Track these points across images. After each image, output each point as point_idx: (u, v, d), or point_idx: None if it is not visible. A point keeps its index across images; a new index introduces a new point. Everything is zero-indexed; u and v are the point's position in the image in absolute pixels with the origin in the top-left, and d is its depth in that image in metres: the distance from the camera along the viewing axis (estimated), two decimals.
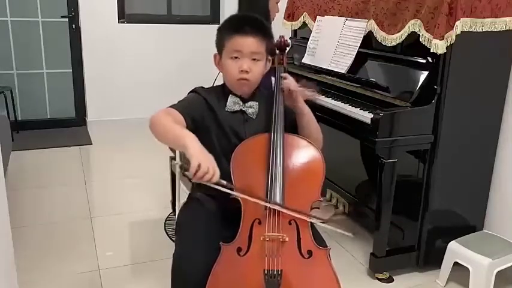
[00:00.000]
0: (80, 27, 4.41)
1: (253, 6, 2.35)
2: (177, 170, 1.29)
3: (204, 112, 1.55)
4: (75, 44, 4.49)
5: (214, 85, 1.72)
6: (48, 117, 4.63)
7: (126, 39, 4.52)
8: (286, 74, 1.65)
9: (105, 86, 4.54)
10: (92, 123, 4.58)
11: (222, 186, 1.35)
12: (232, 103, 1.57)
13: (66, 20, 4.45)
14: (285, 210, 1.40)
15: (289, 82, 1.61)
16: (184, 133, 1.37)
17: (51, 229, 2.67)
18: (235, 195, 1.41)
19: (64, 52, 4.52)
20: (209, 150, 1.54)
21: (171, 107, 1.51)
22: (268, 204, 1.39)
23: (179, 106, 1.52)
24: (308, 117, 1.63)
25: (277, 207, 1.40)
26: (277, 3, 2.52)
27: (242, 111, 1.58)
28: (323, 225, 1.45)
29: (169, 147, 2.64)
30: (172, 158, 2.63)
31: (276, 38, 1.86)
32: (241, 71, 1.51)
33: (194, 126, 1.52)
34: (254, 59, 1.52)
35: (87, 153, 4.04)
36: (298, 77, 2.74)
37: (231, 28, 1.52)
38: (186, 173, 1.29)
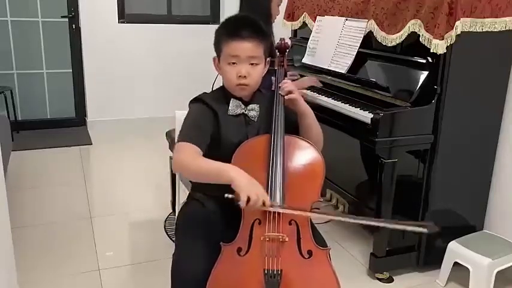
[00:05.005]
0: (80, 27, 4.41)
1: (254, 8, 2.34)
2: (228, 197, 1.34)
3: (211, 122, 1.54)
4: (75, 44, 4.49)
5: (214, 87, 1.72)
6: (48, 117, 4.63)
7: (126, 39, 4.52)
8: (284, 80, 1.62)
9: (105, 86, 4.54)
10: (92, 123, 4.58)
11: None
12: (235, 107, 1.56)
13: (66, 20, 4.45)
14: (287, 211, 1.40)
15: (288, 86, 1.59)
16: (224, 167, 1.37)
17: (51, 229, 2.68)
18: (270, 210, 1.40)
19: (64, 52, 4.52)
20: (213, 154, 1.54)
21: (182, 140, 1.47)
22: (271, 209, 1.39)
23: (191, 136, 1.47)
24: (310, 119, 1.62)
25: (279, 210, 1.40)
26: (278, 5, 2.52)
27: (244, 115, 1.57)
28: (330, 217, 1.45)
29: (169, 148, 2.65)
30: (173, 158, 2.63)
31: (276, 40, 1.86)
32: (240, 76, 1.49)
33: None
34: (252, 64, 1.50)
35: (87, 153, 4.04)
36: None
37: (227, 32, 1.50)
38: (239, 203, 1.32)
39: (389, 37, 2.27)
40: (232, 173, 1.34)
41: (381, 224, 1.56)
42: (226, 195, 1.34)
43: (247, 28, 1.49)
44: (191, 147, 1.45)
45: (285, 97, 1.58)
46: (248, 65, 1.50)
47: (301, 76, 2.78)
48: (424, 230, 1.36)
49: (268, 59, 1.59)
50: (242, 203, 1.29)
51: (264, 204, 1.32)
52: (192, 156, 1.43)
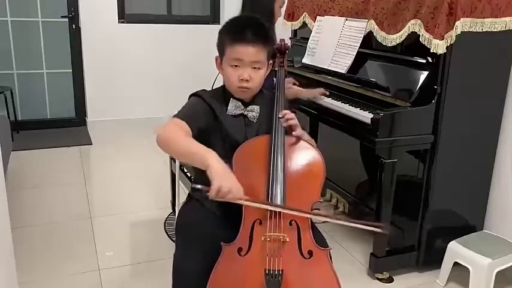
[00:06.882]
0: (80, 27, 4.41)
1: (256, 8, 2.33)
2: (195, 190, 1.31)
3: (207, 118, 1.53)
4: (75, 44, 4.49)
5: (214, 86, 1.71)
6: (48, 117, 4.63)
7: (126, 39, 4.52)
8: (286, 112, 1.57)
9: (105, 86, 4.54)
10: (92, 123, 4.58)
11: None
12: (234, 107, 1.55)
13: (66, 20, 4.45)
14: (287, 211, 1.40)
15: (299, 133, 1.55)
16: (205, 151, 1.35)
17: (51, 229, 2.67)
18: (245, 204, 1.39)
19: (64, 52, 4.52)
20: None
21: (176, 116, 1.47)
22: (272, 208, 1.39)
23: (185, 115, 1.47)
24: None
25: (280, 210, 1.39)
26: (281, 7, 2.50)
27: (243, 115, 1.57)
28: (325, 218, 1.45)
29: None
30: (172, 159, 2.63)
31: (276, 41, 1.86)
32: (242, 79, 1.49)
33: (198, 134, 1.49)
34: (255, 68, 1.50)
35: (87, 153, 4.04)
36: (298, 78, 2.76)
37: (231, 35, 1.49)
38: (207, 194, 1.28)
39: (389, 37, 2.27)
40: (209, 160, 1.32)
41: (340, 222, 1.63)
42: (193, 185, 1.31)
43: (252, 32, 1.47)
44: (183, 124, 1.44)
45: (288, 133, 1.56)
46: (251, 68, 1.49)
47: (301, 76, 2.78)
48: (379, 230, 1.53)
49: (270, 62, 1.58)
50: (212, 192, 1.26)
51: (236, 195, 1.29)
52: (180, 130, 1.42)
